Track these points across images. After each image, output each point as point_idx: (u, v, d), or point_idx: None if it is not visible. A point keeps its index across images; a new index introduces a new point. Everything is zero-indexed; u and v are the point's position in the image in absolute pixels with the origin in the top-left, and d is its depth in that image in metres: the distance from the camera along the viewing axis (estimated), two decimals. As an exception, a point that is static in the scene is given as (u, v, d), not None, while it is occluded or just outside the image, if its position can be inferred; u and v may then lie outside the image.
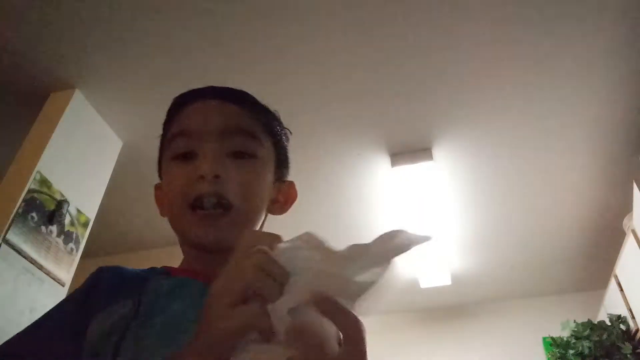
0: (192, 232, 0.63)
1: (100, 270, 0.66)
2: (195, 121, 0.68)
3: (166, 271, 0.65)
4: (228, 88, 0.74)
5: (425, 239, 0.45)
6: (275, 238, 0.45)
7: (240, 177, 0.65)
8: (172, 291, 0.60)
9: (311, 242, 0.44)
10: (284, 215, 0.74)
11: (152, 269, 0.67)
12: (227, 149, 0.66)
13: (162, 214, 0.72)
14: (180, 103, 0.72)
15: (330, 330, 0.42)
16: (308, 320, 0.42)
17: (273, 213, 0.73)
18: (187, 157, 0.66)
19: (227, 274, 0.44)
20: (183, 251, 0.69)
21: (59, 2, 1.87)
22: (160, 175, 0.74)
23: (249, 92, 0.74)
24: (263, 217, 0.70)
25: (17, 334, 0.60)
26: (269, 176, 0.71)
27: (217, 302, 0.43)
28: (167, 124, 0.73)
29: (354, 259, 0.43)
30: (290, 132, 0.78)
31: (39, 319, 0.61)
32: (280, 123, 0.76)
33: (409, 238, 0.44)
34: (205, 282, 0.52)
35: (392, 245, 0.44)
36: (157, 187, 0.75)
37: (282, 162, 0.75)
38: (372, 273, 0.44)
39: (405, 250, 0.44)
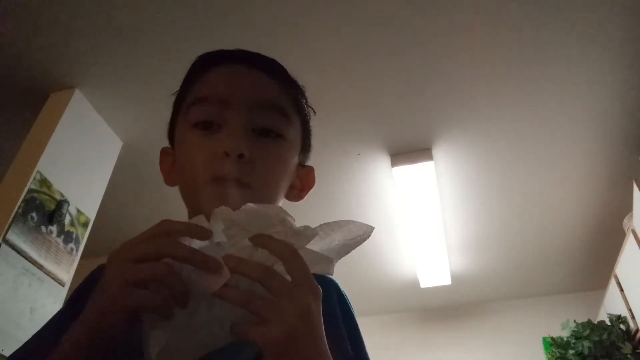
0: (206, 208, 0.57)
1: (98, 269, 0.63)
2: (222, 88, 0.62)
3: None
4: (259, 54, 0.68)
5: (370, 229, 0.46)
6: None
7: (265, 160, 0.59)
8: None
9: (278, 212, 0.45)
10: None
11: None
12: (254, 124, 0.60)
13: (168, 182, 0.67)
14: (206, 64, 0.66)
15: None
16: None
17: (289, 199, 0.67)
18: (208, 126, 0.60)
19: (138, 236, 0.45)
20: None
21: (59, 2, 1.87)
22: (170, 139, 0.68)
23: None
24: (280, 204, 0.65)
25: (18, 349, 0.57)
26: (294, 160, 0.65)
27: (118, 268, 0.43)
28: (187, 84, 0.67)
29: (311, 239, 0.46)
30: (314, 112, 0.71)
31: (39, 330, 0.59)
32: (307, 100, 0.70)
33: (360, 229, 0.47)
34: None
35: (352, 239, 0.47)
36: (165, 152, 0.69)
37: (306, 145, 0.69)
38: (326, 258, 0.47)
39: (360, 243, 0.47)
